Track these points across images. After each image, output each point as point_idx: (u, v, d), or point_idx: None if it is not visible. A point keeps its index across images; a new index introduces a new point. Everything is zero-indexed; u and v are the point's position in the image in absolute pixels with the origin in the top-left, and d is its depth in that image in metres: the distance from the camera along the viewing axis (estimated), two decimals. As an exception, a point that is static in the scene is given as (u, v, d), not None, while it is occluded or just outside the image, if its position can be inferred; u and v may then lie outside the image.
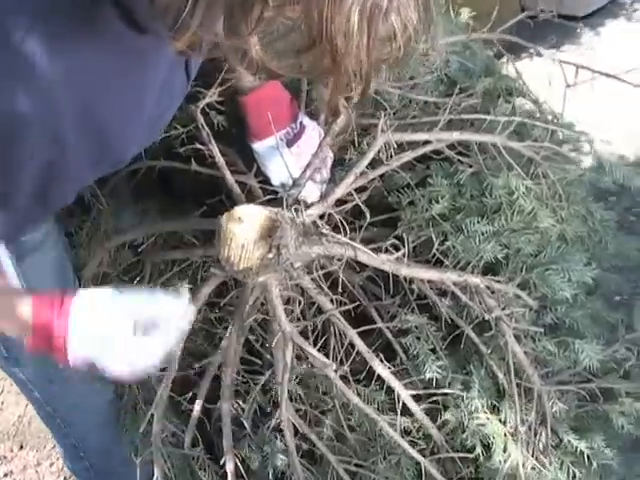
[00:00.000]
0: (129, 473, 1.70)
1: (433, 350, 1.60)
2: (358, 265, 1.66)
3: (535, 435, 1.57)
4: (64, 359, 1.13)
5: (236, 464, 1.57)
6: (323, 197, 1.54)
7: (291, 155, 1.60)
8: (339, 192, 1.52)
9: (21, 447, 2.55)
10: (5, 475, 2.48)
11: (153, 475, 1.60)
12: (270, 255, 1.39)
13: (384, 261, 1.50)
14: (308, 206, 1.51)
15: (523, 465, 1.53)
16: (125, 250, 1.75)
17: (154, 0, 0.84)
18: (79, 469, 1.93)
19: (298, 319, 1.52)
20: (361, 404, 1.47)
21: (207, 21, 0.84)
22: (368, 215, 1.55)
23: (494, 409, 1.60)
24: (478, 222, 1.61)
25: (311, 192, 1.60)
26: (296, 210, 1.46)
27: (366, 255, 1.49)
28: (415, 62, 1.73)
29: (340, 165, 1.68)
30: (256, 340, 1.66)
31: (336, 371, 1.46)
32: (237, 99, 1.58)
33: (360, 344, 1.51)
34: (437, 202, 1.64)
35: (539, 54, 1.85)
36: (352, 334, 1.50)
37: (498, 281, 1.60)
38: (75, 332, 1.11)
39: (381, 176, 1.68)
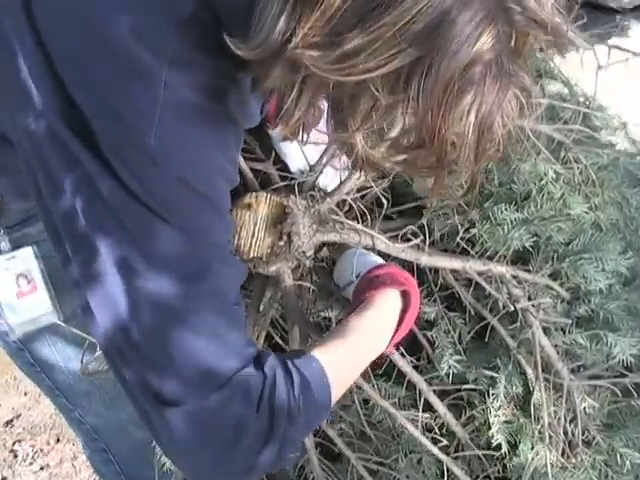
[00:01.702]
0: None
1: (453, 343, 1.52)
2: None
3: (565, 433, 1.49)
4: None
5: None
6: (341, 183, 1.47)
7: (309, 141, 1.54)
8: (356, 177, 1.45)
9: (58, 440, 2.56)
10: (41, 468, 2.49)
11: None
12: (281, 243, 1.33)
13: (403, 249, 1.43)
14: (327, 194, 1.45)
15: (552, 464, 1.46)
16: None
17: (257, 85, 0.85)
18: (109, 473, 1.86)
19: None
20: (378, 399, 1.39)
21: (312, 111, 0.85)
22: (388, 204, 1.49)
23: (522, 405, 1.53)
24: (506, 209, 1.54)
25: (331, 179, 1.53)
26: (312, 197, 1.40)
27: (384, 244, 1.42)
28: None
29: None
30: (277, 334, 1.59)
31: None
32: None
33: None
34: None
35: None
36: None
37: (528, 271, 1.53)
38: None
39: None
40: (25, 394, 2.70)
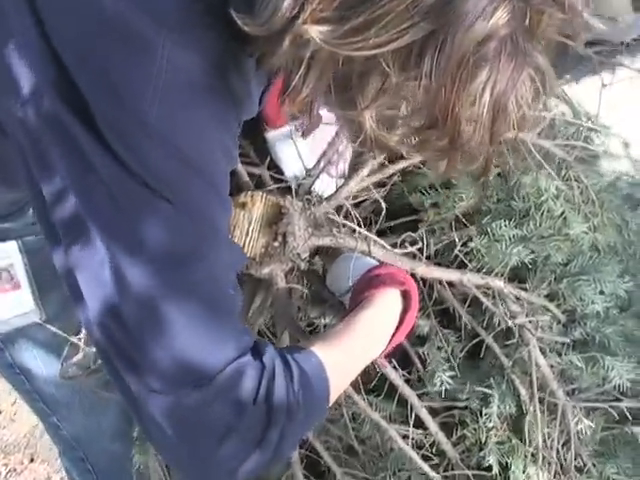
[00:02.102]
0: None
1: (447, 360, 1.48)
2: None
3: (557, 456, 1.44)
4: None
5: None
6: (337, 189, 1.43)
7: (306, 145, 1.50)
8: (354, 183, 1.42)
9: (32, 460, 2.49)
10: (14, 488, 2.41)
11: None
12: (275, 243, 1.29)
13: (399, 258, 1.39)
14: (323, 198, 1.41)
15: (542, 489, 1.41)
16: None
17: (263, 63, 0.82)
18: None
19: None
20: (370, 412, 1.34)
21: (320, 88, 0.80)
22: (385, 212, 1.44)
23: (514, 426, 1.48)
24: (505, 226, 1.50)
25: (327, 186, 1.50)
26: (308, 200, 1.36)
27: (381, 250, 1.37)
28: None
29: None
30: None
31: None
32: None
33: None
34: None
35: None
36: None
37: (524, 289, 1.49)
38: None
39: (402, 176, 1.58)
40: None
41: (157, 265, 0.83)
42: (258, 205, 1.31)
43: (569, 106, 1.68)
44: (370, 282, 1.20)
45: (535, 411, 1.41)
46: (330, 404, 0.99)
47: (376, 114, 0.80)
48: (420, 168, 1.57)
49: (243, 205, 1.31)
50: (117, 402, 1.53)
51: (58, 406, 1.55)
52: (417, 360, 1.52)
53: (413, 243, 1.39)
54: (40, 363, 1.46)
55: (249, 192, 1.32)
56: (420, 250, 1.39)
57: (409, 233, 1.39)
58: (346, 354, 1.07)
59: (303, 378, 0.92)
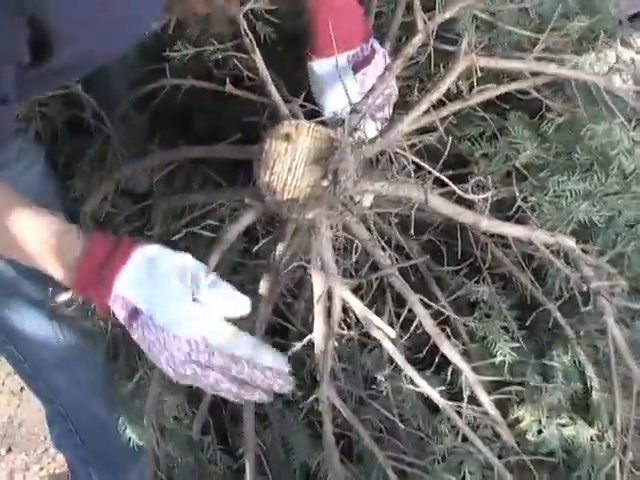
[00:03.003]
0: (131, 462, 1.48)
1: (505, 329, 1.29)
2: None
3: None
4: (104, 297, 1.06)
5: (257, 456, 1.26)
6: (386, 129, 1.24)
7: (355, 82, 1.31)
8: (406, 122, 1.22)
9: (9, 450, 2.45)
10: (-10, 479, 2.40)
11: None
12: (325, 183, 1.10)
13: (459, 211, 1.20)
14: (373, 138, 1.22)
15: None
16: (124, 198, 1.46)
17: None
18: (69, 445, 1.66)
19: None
20: (420, 380, 1.14)
21: None
22: (441, 156, 1.25)
23: (579, 407, 1.30)
24: (567, 180, 1.32)
25: (369, 130, 1.30)
26: (357, 139, 1.17)
27: (439, 200, 1.19)
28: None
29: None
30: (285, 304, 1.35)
31: (394, 342, 1.15)
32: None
33: (423, 314, 1.20)
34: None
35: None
36: (414, 300, 1.20)
37: (586, 252, 1.31)
38: (130, 271, 1.05)
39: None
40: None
41: None
42: (304, 137, 1.12)
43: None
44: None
45: (611, 390, 1.22)
46: None
47: None
48: (473, 113, 1.39)
49: (286, 137, 1.11)
50: (95, 356, 1.46)
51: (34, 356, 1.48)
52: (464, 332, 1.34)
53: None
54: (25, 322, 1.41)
55: (293, 121, 1.12)
56: (484, 200, 1.20)
57: (478, 178, 1.19)
58: None
59: None
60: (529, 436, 1.29)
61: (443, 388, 1.21)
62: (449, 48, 1.34)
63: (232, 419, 1.41)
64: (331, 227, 1.16)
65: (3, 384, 2.50)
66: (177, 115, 1.52)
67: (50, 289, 1.23)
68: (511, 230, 1.23)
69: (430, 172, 1.19)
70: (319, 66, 1.31)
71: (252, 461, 1.23)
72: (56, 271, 1.08)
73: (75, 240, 1.07)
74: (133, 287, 1.05)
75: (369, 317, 1.10)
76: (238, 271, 1.42)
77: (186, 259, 1.09)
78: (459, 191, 1.13)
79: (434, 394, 1.16)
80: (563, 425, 1.28)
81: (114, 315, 1.08)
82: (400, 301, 1.25)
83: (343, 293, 1.12)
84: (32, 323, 1.41)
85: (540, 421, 1.29)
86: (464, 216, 1.20)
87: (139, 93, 1.39)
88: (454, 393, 1.24)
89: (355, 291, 1.21)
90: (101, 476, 1.65)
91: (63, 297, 1.20)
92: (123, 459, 1.57)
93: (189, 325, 1.05)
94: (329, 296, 1.14)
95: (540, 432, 1.29)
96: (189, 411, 1.35)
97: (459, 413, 1.19)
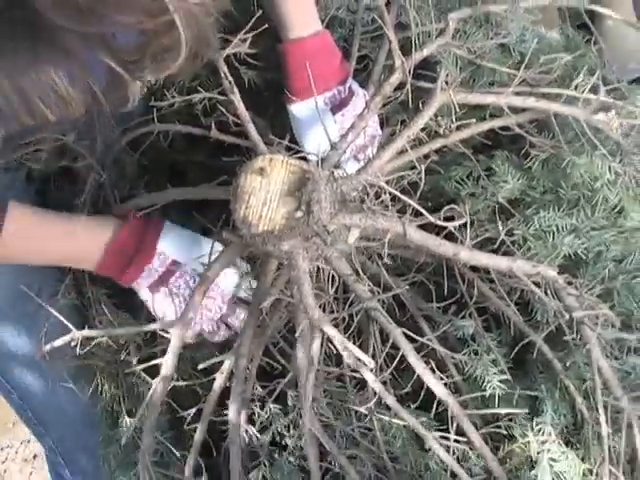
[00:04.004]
0: None
1: (494, 362, 1.29)
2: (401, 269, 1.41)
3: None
4: (143, 260, 1.28)
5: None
6: (366, 163, 1.26)
7: (334, 124, 1.34)
8: (386, 156, 1.24)
9: None
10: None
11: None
12: (299, 213, 1.11)
13: (439, 242, 1.20)
14: (351, 174, 1.24)
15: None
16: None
17: None
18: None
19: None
20: (406, 415, 1.14)
21: None
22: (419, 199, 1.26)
23: (569, 441, 1.28)
24: (554, 215, 1.33)
25: (351, 170, 1.32)
26: (333, 173, 1.19)
27: (419, 233, 1.19)
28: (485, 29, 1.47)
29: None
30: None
31: (375, 372, 1.15)
32: (277, 47, 1.34)
33: (407, 347, 1.19)
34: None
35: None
36: (397, 333, 1.19)
37: (575, 287, 1.30)
38: (167, 233, 1.31)
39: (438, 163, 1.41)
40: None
41: None
42: (278, 170, 1.14)
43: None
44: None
45: (596, 423, 1.20)
46: None
47: None
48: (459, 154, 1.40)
49: (261, 170, 1.13)
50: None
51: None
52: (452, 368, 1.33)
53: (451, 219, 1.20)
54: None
55: (267, 155, 1.14)
56: (461, 230, 1.21)
57: (452, 206, 1.20)
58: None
59: None
60: (521, 472, 1.27)
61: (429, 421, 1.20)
62: (429, 85, 1.35)
63: (225, 459, 1.39)
64: (310, 261, 1.16)
65: (17, 452, 2.50)
66: (166, 161, 1.55)
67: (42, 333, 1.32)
68: (492, 261, 1.22)
69: (410, 205, 1.19)
70: (297, 109, 1.34)
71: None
72: (91, 251, 1.28)
73: (109, 220, 1.31)
74: (172, 246, 1.29)
75: (348, 347, 1.10)
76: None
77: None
78: (432, 219, 1.13)
79: (417, 426, 1.15)
80: (554, 460, 1.26)
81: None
82: (385, 339, 1.25)
83: (323, 324, 1.12)
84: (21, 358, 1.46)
85: (531, 457, 1.27)
86: (444, 248, 1.20)
87: (128, 138, 1.42)
88: (443, 430, 1.23)
89: (338, 326, 1.22)
90: None
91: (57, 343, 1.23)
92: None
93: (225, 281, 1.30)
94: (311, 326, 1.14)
95: (532, 468, 1.26)
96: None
97: (448, 449, 1.18)
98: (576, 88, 1.38)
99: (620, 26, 1.83)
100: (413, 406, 1.25)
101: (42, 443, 1.63)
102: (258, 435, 1.27)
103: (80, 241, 1.27)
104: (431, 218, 1.13)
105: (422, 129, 1.30)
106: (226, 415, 1.27)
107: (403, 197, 1.13)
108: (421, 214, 1.21)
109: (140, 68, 0.78)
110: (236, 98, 1.25)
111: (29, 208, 1.25)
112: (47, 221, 1.26)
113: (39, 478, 2.45)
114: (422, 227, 1.23)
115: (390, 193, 1.20)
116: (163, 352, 1.36)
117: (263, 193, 1.13)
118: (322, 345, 1.16)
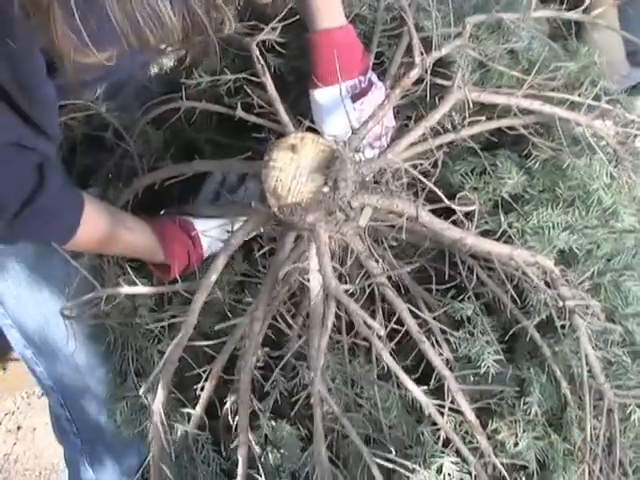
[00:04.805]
0: (121, 448, 1.57)
1: (488, 343, 1.38)
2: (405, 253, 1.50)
3: (603, 455, 1.33)
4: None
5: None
6: (384, 150, 1.35)
7: (353, 111, 1.42)
8: (403, 144, 1.33)
9: None
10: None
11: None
12: (325, 189, 1.19)
13: (448, 227, 1.29)
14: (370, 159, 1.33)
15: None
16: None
17: None
18: (66, 434, 1.75)
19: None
20: (405, 378, 1.22)
21: None
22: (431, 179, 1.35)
23: (554, 422, 1.38)
24: (551, 213, 1.42)
25: (368, 156, 1.41)
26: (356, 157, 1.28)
27: (429, 216, 1.28)
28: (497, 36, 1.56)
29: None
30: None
31: (382, 339, 1.23)
32: (305, 37, 1.42)
33: (411, 322, 1.29)
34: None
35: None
36: (403, 308, 1.28)
37: (567, 279, 1.40)
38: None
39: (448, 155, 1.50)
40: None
41: None
42: (308, 148, 1.23)
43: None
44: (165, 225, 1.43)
45: (585, 405, 1.29)
46: (73, 243, 1.25)
47: None
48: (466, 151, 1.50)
49: (292, 147, 1.22)
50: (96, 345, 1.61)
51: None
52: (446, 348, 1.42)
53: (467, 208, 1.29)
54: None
55: (299, 133, 1.23)
56: (469, 217, 1.30)
57: (465, 193, 1.29)
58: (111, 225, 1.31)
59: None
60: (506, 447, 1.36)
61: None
62: (445, 83, 1.44)
63: (226, 428, 1.47)
64: (329, 237, 1.25)
65: (1, 423, 2.55)
66: (184, 137, 1.63)
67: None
68: (495, 247, 1.32)
69: (423, 190, 1.28)
70: (320, 95, 1.42)
71: (245, 454, 1.30)
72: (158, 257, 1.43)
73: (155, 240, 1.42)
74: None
75: (360, 314, 1.18)
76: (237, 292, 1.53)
77: None
78: (448, 202, 1.21)
79: (418, 393, 1.24)
80: (538, 438, 1.35)
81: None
82: (390, 315, 1.34)
83: (338, 293, 1.20)
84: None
85: (517, 434, 1.36)
86: (451, 232, 1.29)
87: (156, 112, 1.49)
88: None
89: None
90: (94, 466, 1.73)
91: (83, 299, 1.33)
92: (115, 449, 1.66)
93: None
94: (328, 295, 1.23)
95: (516, 444, 1.35)
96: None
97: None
98: (579, 95, 1.48)
99: (605, 38, 1.93)
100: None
101: (49, 398, 1.70)
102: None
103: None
104: (447, 201, 1.21)
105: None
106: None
107: (422, 179, 1.21)
108: (431, 201, 1.30)
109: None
110: (268, 81, 1.33)
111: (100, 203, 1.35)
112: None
113: (22, 449, 2.50)
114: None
115: (406, 178, 1.29)
116: (173, 317, 1.46)
117: (293, 168, 1.21)
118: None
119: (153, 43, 0.89)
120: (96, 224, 1.29)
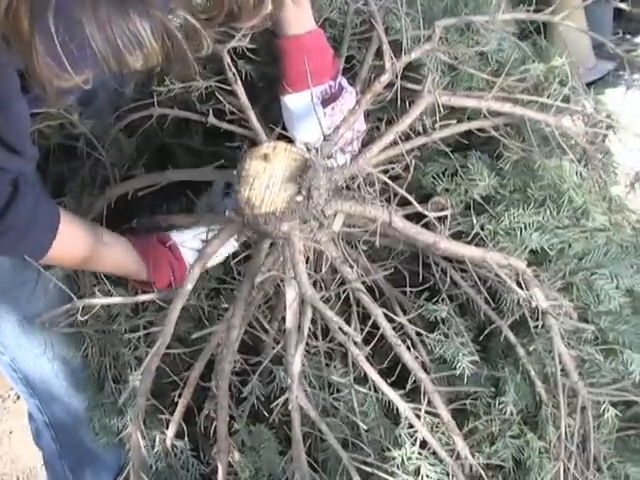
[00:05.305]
0: (99, 453, 1.56)
1: (462, 345, 1.39)
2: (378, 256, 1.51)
3: (578, 452, 1.35)
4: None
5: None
6: (355, 156, 1.36)
7: (324, 117, 1.42)
8: (375, 150, 1.34)
9: None
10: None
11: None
12: (299, 198, 1.20)
13: (420, 231, 1.31)
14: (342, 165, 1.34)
15: (559, 481, 1.32)
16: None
17: None
18: (44, 439, 1.76)
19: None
20: (380, 382, 1.24)
21: None
22: (402, 183, 1.36)
23: (529, 420, 1.40)
24: (522, 213, 1.43)
25: (339, 161, 1.42)
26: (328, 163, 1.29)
27: (402, 221, 1.30)
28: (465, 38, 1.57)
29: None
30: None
31: (358, 345, 1.25)
32: (274, 43, 1.42)
33: (386, 326, 1.30)
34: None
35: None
36: (378, 313, 1.30)
37: (539, 280, 1.42)
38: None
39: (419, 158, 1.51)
40: None
41: None
42: (281, 157, 1.23)
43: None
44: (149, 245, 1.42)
45: (560, 403, 1.31)
46: (49, 257, 1.23)
47: None
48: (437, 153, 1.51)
49: (265, 156, 1.22)
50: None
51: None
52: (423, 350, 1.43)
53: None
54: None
55: (272, 142, 1.23)
56: (442, 221, 1.31)
57: (437, 198, 1.30)
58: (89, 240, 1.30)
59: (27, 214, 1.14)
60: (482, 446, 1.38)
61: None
62: (415, 87, 1.45)
63: (204, 433, 1.47)
64: (304, 242, 1.26)
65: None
66: (156, 143, 1.63)
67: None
68: (467, 251, 1.33)
69: (395, 195, 1.30)
70: (290, 101, 1.42)
71: (225, 462, 1.31)
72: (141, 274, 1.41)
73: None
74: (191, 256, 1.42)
75: (336, 321, 1.20)
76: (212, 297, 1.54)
77: None
78: (420, 208, 1.23)
79: (395, 397, 1.25)
80: (513, 437, 1.37)
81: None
82: (365, 318, 1.35)
83: (314, 301, 1.21)
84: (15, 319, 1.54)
85: (492, 433, 1.37)
86: (425, 236, 1.31)
87: (128, 120, 1.49)
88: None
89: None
90: (73, 471, 1.75)
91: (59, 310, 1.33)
92: (94, 455, 1.67)
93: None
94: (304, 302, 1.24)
95: (493, 444, 1.37)
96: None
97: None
98: (549, 97, 1.50)
99: (570, 32, 1.95)
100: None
101: (28, 403, 1.70)
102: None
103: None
104: (420, 208, 1.22)
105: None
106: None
107: (394, 185, 1.22)
108: (404, 204, 1.32)
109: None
110: (239, 89, 1.34)
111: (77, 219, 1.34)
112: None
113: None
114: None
115: (377, 184, 1.30)
116: (149, 323, 1.47)
117: (266, 177, 1.22)
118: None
119: (133, 67, 0.89)
120: (73, 239, 1.27)
